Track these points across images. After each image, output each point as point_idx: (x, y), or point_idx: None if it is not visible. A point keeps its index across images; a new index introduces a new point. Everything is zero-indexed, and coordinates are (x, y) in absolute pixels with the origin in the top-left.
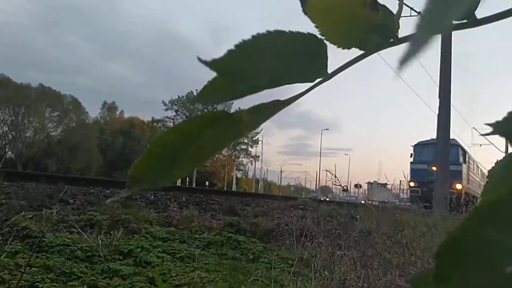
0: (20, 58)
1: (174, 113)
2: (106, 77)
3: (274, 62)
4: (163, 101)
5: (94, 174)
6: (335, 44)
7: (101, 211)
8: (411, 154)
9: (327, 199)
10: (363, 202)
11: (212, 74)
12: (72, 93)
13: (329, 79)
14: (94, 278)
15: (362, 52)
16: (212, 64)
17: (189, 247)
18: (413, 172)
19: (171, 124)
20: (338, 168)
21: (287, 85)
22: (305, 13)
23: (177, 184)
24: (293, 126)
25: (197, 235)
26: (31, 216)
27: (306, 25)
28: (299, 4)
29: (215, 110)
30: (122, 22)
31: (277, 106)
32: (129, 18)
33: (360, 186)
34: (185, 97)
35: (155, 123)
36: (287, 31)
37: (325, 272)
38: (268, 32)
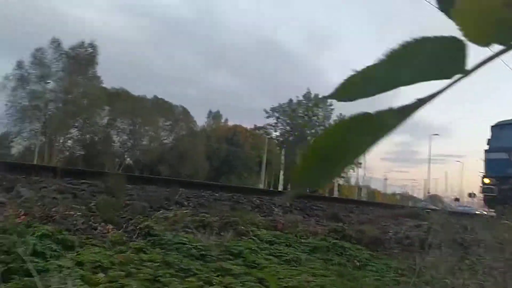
0: (136, 72)
1: (275, 120)
2: (211, 87)
3: (416, 63)
4: (264, 109)
5: (202, 178)
6: (476, 43)
7: (212, 213)
8: (488, 140)
9: (437, 208)
10: (477, 212)
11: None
12: (182, 103)
13: (468, 75)
14: (208, 275)
15: (502, 47)
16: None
17: (295, 251)
18: (489, 164)
19: (272, 131)
20: (449, 176)
21: (426, 81)
22: (449, 17)
23: (280, 189)
24: (398, 131)
25: (302, 240)
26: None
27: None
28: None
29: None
30: (223, 34)
31: (416, 104)
32: (229, 29)
33: (474, 195)
34: (286, 105)
35: (257, 130)
36: (431, 36)
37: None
38: (414, 38)
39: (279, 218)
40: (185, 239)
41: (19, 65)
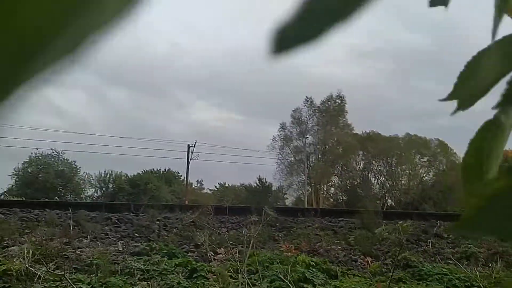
0: (383, 113)
1: None
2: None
3: None
4: None
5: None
6: None
7: (476, 244)
8: None
9: None
10: None
11: None
12: (436, 136)
13: None
14: None
15: None
16: None
17: None
18: None
19: None
20: None
21: None
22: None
23: None
24: None
25: None
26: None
27: None
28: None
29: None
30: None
31: None
32: None
33: None
34: None
35: None
36: None
37: None
38: None
39: None
40: (445, 270)
41: (282, 126)
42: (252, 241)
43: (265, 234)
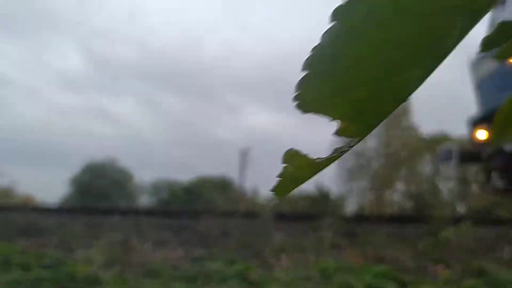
0: (454, 112)
1: None
2: None
3: None
4: None
5: None
6: None
7: None
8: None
9: None
10: None
11: None
12: None
13: None
14: None
15: None
16: None
17: None
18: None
19: None
20: None
21: None
22: None
23: None
24: None
25: None
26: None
27: None
28: None
29: None
30: None
31: None
32: None
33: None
34: None
35: None
36: None
37: None
38: None
39: None
40: None
41: None
42: (315, 248)
43: (328, 241)
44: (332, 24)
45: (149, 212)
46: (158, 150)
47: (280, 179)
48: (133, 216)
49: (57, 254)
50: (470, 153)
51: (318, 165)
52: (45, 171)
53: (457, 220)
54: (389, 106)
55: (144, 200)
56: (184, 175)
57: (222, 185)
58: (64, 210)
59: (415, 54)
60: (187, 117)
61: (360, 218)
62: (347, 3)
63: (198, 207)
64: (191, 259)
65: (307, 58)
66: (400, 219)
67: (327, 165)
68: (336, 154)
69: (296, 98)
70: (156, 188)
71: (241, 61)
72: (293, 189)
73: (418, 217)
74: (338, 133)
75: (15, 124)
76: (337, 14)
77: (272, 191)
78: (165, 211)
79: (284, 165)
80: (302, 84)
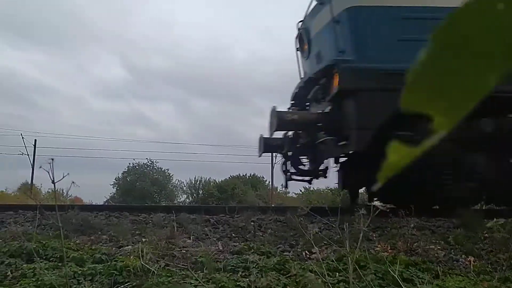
0: None
1: None
2: None
3: None
4: None
5: None
6: None
7: None
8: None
9: None
10: None
11: None
12: None
13: None
14: None
15: None
16: None
17: None
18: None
19: None
20: None
21: None
22: None
23: None
24: None
25: None
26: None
27: None
28: None
29: None
30: None
31: None
32: None
33: None
34: None
35: None
36: None
37: None
38: None
39: None
40: None
41: None
42: (347, 241)
43: (358, 234)
44: (430, 44)
45: (188, 209)
46: (193, 151)
47: (387, 163)
48: (174, 213)
49: (108, 250)
50: None
51: (414, 153)
52: (90, 174)
53: (489, 211)
54: (471, 105)
55: (182, 199)
56: (218, 175)
57: (253, 183)
58: (111, 208)
59: (491, 66)
60: (219, 120)
61: (388, 211)
62: (439, 31)
63: (233, 204)
64: (230, 252)
65: (412, 70)
66: (429, 211)
67: (420, 153)
68: (427, 144)
69: (402, 100)
70: (193, 187)
71: (266, 66)
72: (395, 172)
73: (448, 209)
74: (433, 126)
75: (60, 128)
76: (433, 37)
77: (379, 175)
78: (202, 208)
79: (391, 153)
80: (407, 90)
